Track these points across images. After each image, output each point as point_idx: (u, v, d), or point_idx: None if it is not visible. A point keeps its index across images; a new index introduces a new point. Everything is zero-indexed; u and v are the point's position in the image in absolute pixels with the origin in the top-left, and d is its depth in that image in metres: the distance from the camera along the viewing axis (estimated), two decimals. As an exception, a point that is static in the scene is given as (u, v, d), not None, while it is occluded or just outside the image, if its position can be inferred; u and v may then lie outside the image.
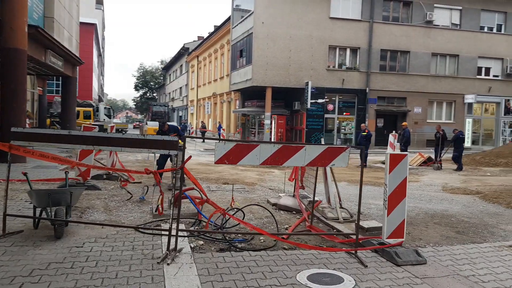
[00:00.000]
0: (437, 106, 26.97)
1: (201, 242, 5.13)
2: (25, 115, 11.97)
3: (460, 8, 26.45)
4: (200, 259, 4.47)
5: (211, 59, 39.04)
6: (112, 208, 6.98)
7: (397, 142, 15.07)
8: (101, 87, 78.57)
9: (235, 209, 5.79)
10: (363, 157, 5.14)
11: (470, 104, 27.09)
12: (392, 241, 5.00)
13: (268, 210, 6.41)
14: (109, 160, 9.75)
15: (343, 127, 25.67)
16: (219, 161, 4.64)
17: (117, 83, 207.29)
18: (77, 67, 19.08)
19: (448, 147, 15.36)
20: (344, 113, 25.59)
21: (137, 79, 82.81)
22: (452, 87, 26.59)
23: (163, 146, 4.52)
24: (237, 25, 27.32)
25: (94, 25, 49.94)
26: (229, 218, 5.56)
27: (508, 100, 27.78)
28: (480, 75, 27.28)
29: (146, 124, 33.92)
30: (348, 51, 25.37)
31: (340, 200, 7.15)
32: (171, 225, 4.54)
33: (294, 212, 7.23)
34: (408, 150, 14.69)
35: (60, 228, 4.84)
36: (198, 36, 55.82)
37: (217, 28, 36.24)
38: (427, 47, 25.91)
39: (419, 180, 12.25)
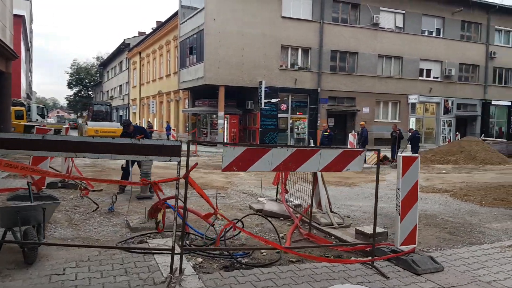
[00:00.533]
0: (384, 106, 27.99)
1: (200, 260, 4.53)
2: None
3: (403, 12, 27.64)
4: (210, 281, 3.89)
5: (155, 56, 37.51)
6: (77, 221, 6.11)
7: (356, 142, 15.21)
8: (29, 84, 72.59)
9: (236, 220, 5.22)
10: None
11: (413, 104, 28.42)
12: (405, 248, 4.75)
13: (268, 220, 5.91)
14: (64, 166, 8.68)
15: (296, 127, 25.74)
16: (227, 168, 4.08)
17: (46, 80, 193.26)
18: (11, 62, 17.12)
19: (405, 146, 15.81)
20: (297, 113, 25.66)
21: (71, 76, 78.00)
22: (397, 88, 27.73)
23: (164, 152, 3.87)
24: (186, 20, 26.36)
25: (22, 17, 45.75)
26: (229, 230, 4.99)
27: (447, 100, 29.54)
28: (422, 76, 28.73)
29: (86, 124, 31.65)
30: (300, 51, 25.47)
31: (330, 204, 6.85)
32: (174, 243, 3.90)
33: (281, 218, 6.81)
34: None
35: (32, 253, 4.00)
36: (139, 32, 53.55)
37: (162, 24, 34.84)
38: (374, 48, 26.77)
39: (384, 179, 12.39)
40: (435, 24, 28.82)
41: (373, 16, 26.45)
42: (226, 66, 23.33)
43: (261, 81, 23.36)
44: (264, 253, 4.88)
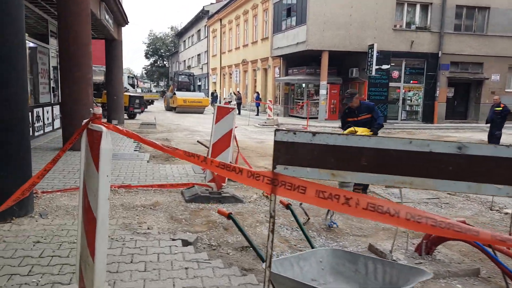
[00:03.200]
0: (518, 72, 23.22)
1: None
2: (91, 88, 8.82)
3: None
4: None
5: (239, 22, 35.08)
6: (292, 241, 3.83)
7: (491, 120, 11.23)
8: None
9: None
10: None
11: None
12: None
13: None
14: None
15: (409, 98, 22.18)
16: None
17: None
18: (121, 28, 15.55)
19: None
20: (411, 81, 22.03)
21: (147, 47, 78.93)
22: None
23: None
24: (281, -22, 23.39)
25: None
26: None
27: None
28: None
29: (174, 94, 30.42)
30: (418, 7, 21.54)
31: None
32: None
33: None
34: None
35: None
36: (218, -3, 51.29)
37: (248, -14, 32.09)
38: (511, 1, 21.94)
39: None
40: None
41: (510, -39, 21.55)
42: (331, 28, 20.21)
43: (372, 44, 19.99)
44: None
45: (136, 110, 20.11)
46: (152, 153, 8.76)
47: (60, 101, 10.82)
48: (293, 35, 21.99)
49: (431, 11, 21.47)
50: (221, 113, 4.76)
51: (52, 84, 12.45)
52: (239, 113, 29.15)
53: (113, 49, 15.60)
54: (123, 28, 16.07)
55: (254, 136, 13.69)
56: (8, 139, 3.68)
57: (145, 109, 23.46)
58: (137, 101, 20.16)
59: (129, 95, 19.65)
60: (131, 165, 6.84)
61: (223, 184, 4.95)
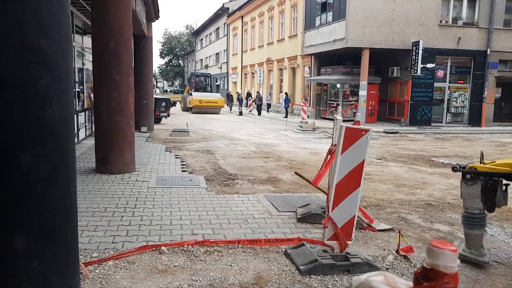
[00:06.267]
0: None
1: None
2: (133, 94, 7.41)
3: None
4: None
5: (263, 19, 33.72)
6: None
7: None
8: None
9: None
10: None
11: None
12: None
13: None
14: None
15: (455, 99, 20.60)
16: None
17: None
18: (151, 23, 14.28)
19: None
20: (458, 81, 20.45)
21: (162, 46, 78.03)
22: None
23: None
24: (314, -28, 21.98)
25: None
26: None
27: None
28: None
29: (190, 94, 29.49)
30: (465, 1, 19.94)
31: None
32: None
33: None
34: None
35: None
36: (239, -5, 49.90)
37: (273, -19, 30.71)
38: None
39: None
40: None
41: None
42: (373, 24, 18.75)
43: (417, 41, 18.50)
44: None
45: (162, 114, 18.80)
46: (201, 170, 7.50)
47: (93, 111, 9.54)
48: (329, 31, 20.58)
49: (479, 5, 19.85)
50: (350, 137, 3.39)
51: (77, 88, 11.11)
52: (259, 114, 27.90)
53: (142, 46, 14.33)
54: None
55: (302, 145, 12.34)
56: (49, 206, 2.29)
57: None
58: (163, 104, 18.85)
59: (155, 98, 18.40)
60: (190, 197, 5.41)
61: (349, 242, 3.57)
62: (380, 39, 18.93)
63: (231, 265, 3.35)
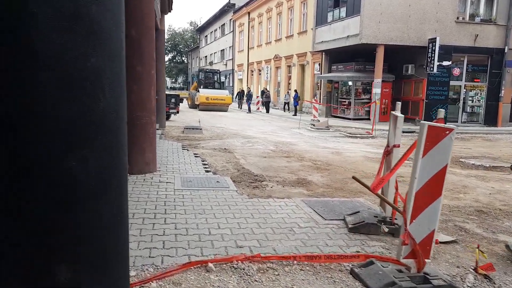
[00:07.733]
0: None
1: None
2: (154, 89, 7.00)
3: None
4: None
5: (270, 15, 33.14)
6: None
7: None
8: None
9: None
10: None
11: None
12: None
13: None
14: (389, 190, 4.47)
15: (470, 98, 20.06)
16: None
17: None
18: (164, 16, 13.75)
19: None
20: (474, 80, 19.90)
21: (166, 42, 77.46)
22: None
23: None
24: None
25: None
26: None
27: None
28: None
29: (198, 91, 28.91)
30: (483, -3, 19.43)
31: None
32: None
33: None
34: None
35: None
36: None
37: (282, -23, 30.13)
38: None
39: None
40: None
41: None
42: (388, 20, 18.22)
43: (434, 38, 17.98)
44: None
45: (171, 111, 18.28)
46: (223, 171, 7.00)
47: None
48: (342, 27, 20.04)
49: (497, 1, 19.34)
50: (433, 137, 2.91)
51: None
52: (267, 111, 27.26)
53: (155, 40, 13.83)
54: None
55: (321, 144, 11.83)
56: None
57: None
58: (173, 100, 18.33)
59: (165, 94, 17.89)
60: (221, 201, 4.90)
61: (427, 261, 3.06)
62: (396, 35, 18.40)
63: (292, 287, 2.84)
